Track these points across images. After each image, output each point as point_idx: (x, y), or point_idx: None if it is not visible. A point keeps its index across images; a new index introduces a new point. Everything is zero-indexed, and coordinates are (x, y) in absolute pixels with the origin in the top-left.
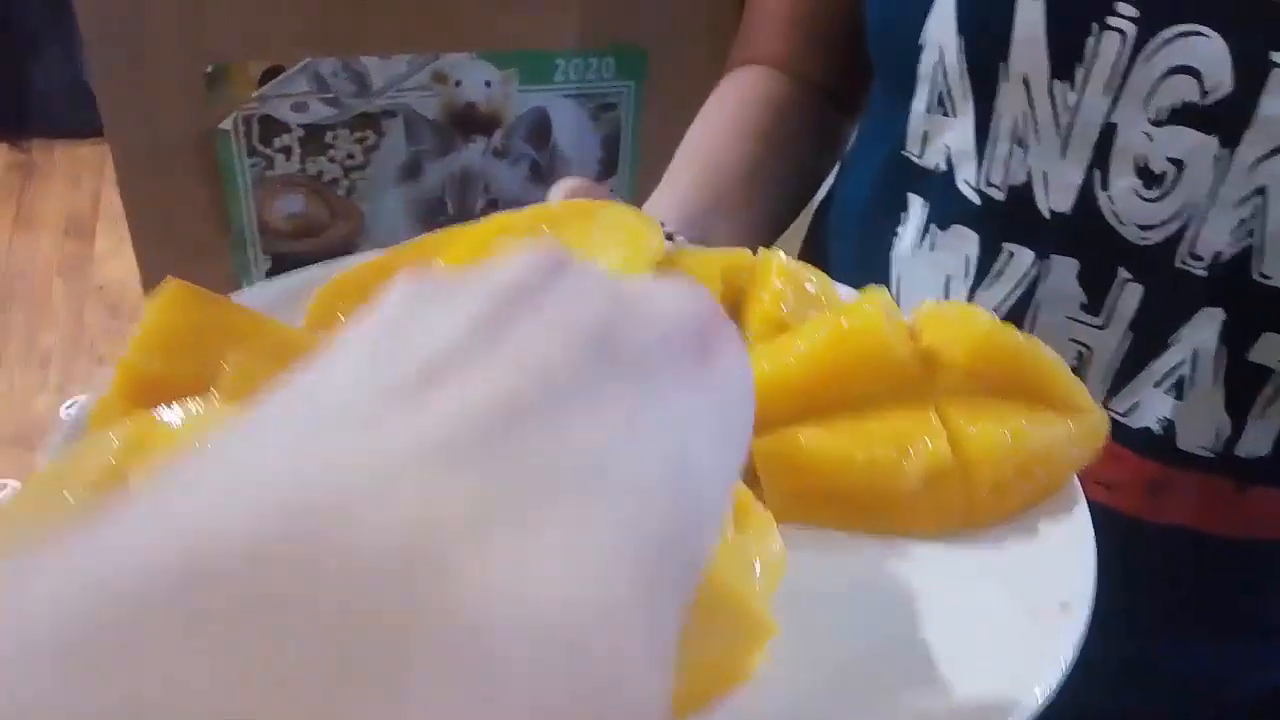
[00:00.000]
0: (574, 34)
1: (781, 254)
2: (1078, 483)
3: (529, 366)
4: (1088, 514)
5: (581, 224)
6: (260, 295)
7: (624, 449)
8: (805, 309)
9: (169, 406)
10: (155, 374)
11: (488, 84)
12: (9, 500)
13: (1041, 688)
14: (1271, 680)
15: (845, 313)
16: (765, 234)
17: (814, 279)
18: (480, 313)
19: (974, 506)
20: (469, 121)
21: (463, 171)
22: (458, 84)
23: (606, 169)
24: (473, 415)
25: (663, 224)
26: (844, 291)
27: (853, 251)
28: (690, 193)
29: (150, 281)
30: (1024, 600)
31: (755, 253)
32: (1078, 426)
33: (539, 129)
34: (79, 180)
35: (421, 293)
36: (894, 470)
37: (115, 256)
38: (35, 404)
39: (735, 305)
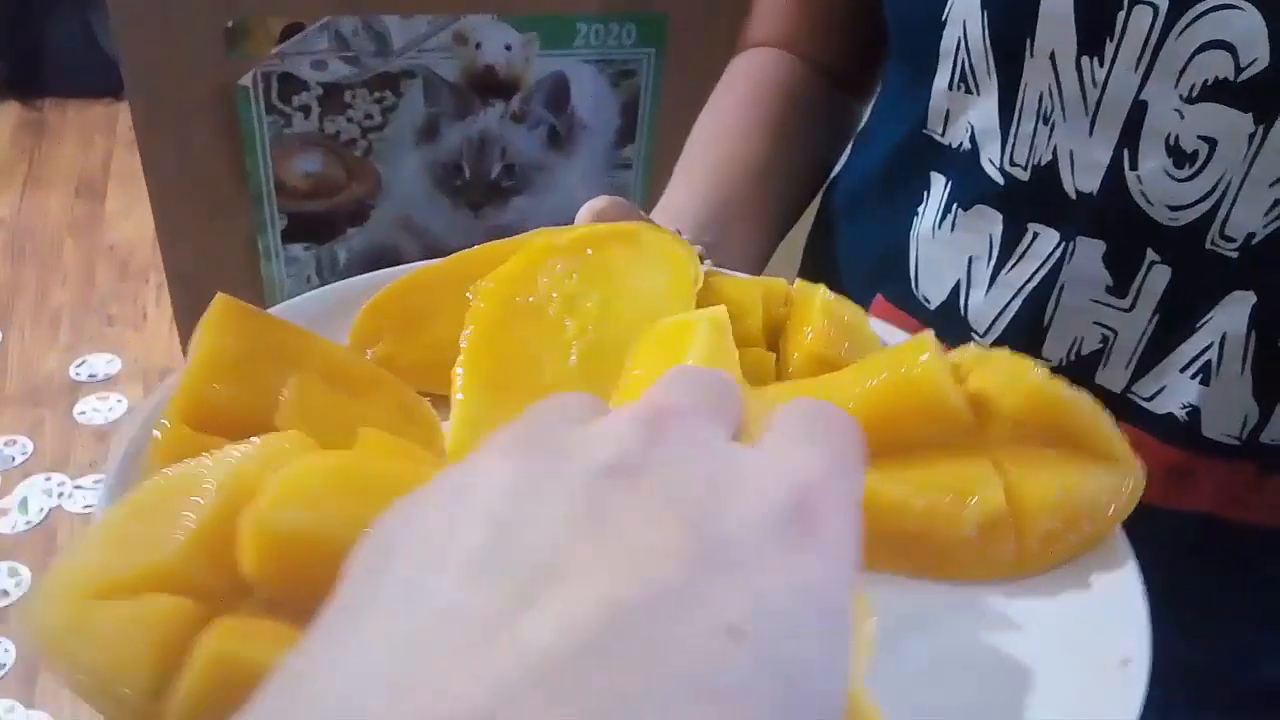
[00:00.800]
0: None
1: (823, 289)
2: (1123, 534)
3: (631, 569)
4: (1137, 567)
5: (625, 249)
6: (301, 309)
7: (729, 661)
8: (848, 349)
9: (237, 439)
10: (215, 399)
11: (508, 47)
12: (91, 535)
13: None
14: None
15: (902, 360)
16: (779, 230)
17: (852, 315)
18: (581, 508)
19: (1024, 556)
20: (488, 84)
21: (480, 135)
22: (478, 46)
23: (625, 136)
24: (576, 631)
25: (679, 231)
26: (879, 328)
27: (867, 232)
28: (705, 192)
29: (167, 237)
30: (1084, 655)
31: (792, 282)
32: (1121, 479)
33: (558, 94)
34: (91, 140)
35: (521, 482)
36: (951, 518)
37: (126, 217)
38: (45, 362)
39: (774, 334)
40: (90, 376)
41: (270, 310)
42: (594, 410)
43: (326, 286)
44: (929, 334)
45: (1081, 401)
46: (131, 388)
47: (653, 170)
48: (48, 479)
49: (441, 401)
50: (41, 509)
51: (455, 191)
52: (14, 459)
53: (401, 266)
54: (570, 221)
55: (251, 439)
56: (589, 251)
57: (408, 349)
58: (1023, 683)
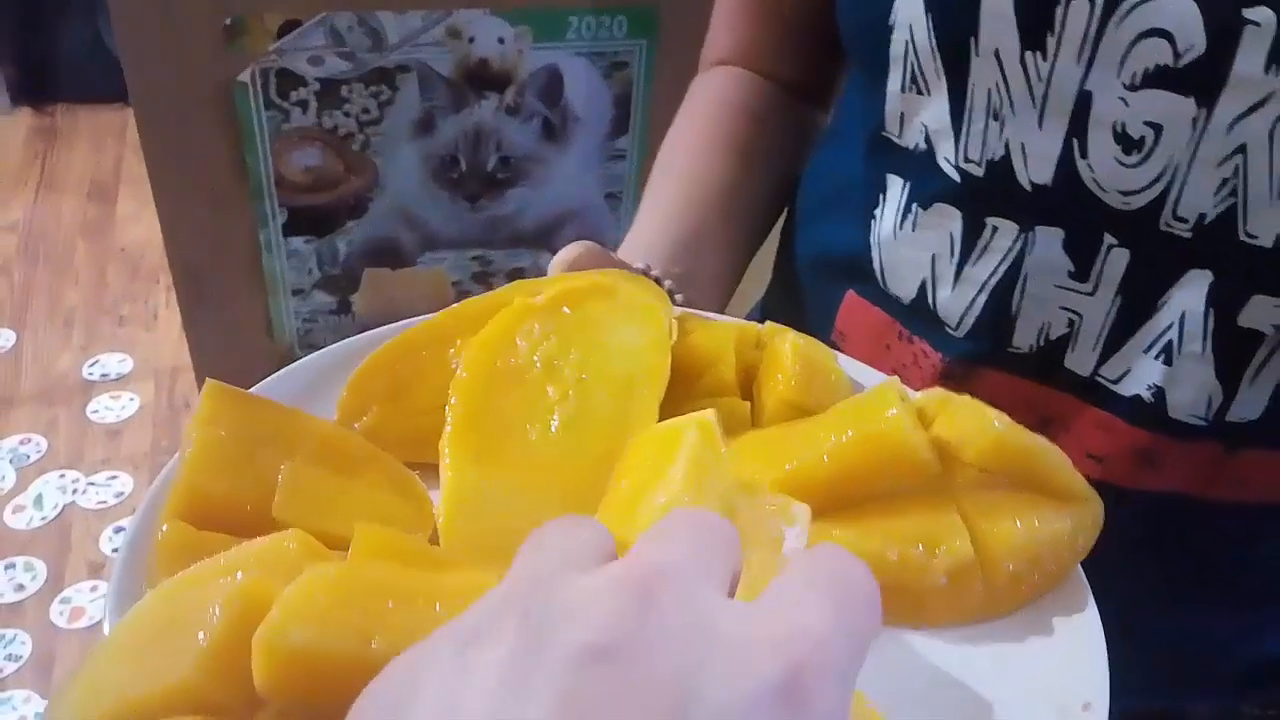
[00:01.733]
0: None
1: (792, 333)
2: (1082, 574)
3: None
4: (1095, 610)
5: (601, 305)
6: (288, 382)
7: None
8: (820, 391)
9: (237, 533)
10: (212, 494)
11: (501, 41)
12: (101, 653)
13: None
14: (1264, 648)
15: (870, 414)
16: (749, 251)
17: (822, 357)
18: (561, 699)
19: (991, 598)
20: (482, 78)
21: (476, 128)
22: (471, 40)
23: (618, 127)
24: None
25: (649, 267)
26: (848, 365)
27: (832, 234)
28: (672, 223)
29: (171, 233)
30: (1048, 698)
31: (762, 322)
32: (1081, 516)
33: (551, 87)
34: (102, 145)
35: (505, 674)
36: (922, 568)
37: (137, 219)
38: (59, 362)
39: (747, 379)
40: (103, 376)
41: (257, 388)
42: (595, 551)
43: (308, 357)
44: (895, 381)
45: (1042, 447)
46: (143, 387)
47: (646, 161)
48: (62, 476)
49: (431, 471)
50: (56, 505)
51: (452, 184)
52: (29, 457)
53: (383, 329)
54: (567, 211)
55: (254, 540)
56: (566, 310)
57: (395, 420)
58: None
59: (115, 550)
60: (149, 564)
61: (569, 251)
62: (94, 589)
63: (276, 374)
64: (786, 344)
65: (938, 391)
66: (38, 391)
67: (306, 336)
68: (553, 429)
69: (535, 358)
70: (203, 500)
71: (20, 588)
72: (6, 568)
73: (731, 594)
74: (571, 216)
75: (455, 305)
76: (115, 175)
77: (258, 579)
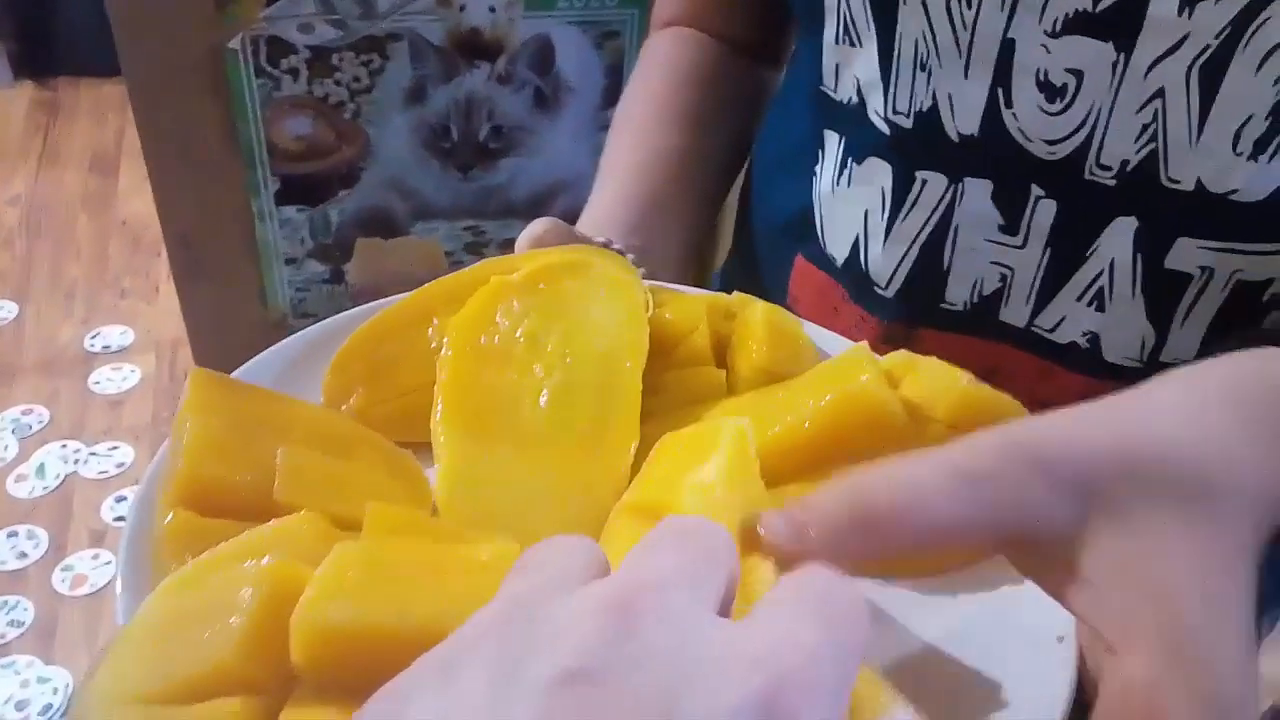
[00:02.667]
0: None
1: (762, 303)
2: None
3: None
4: None
5: (577, 282)
6: (269, 368)
7: None
8: (790, 358)
9: (241, 519)
10: (212, 481)
11: (492, 9)
12: (125, 640)
13: (1063, 708)
14: None
15: (844, 378)
16: (707, 216)
17: (790, 325)
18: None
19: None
20: (473, 47)
21: (467, 97)
22: (462, 9)
23: (609, 97)
24: None
25: (609, 241)
26: (813, 332)
27: (781, 194)
28: (628, 195)
29: (165, 202)
30: (1022, 634)
31: (725, 292)
32: None
33: (543, 56)
34: (103, 118)
35: (487, 697)
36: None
37: (138, 192)
38: (60, 334)
39: (719, 348)
40: (104, 348)
41: (239, 372)
42: (584, 570)
43: (287, 339)
44: (864, 346)
45: (1006, 401)
46: (144, 358)
47: None
48: (64, 446)
49: (421, 449)
50: (58, 475)
51: (444, 153)
52: (31, 427)
53: (359, 309)
54: (559, 180)
55: (264, 525)
56: (542, 286)
57: (380, 400)
58: (976, 656)
59: (118, 519)
60: (154, 554)
61: (534, 228)
62: (95, 557)
63: (256, 358)
64: (757, 313)
65: (903, 354)
66: (40, 363)
67: (300, 305)
68: (541, 403)
69: (518, 334)
70: (203, 487)
71: (23, 555)
72: (9, 536)
73: (730, 602)
74: (564, 186)
75: (428, 284)
76: (117, 148)
77: (284, 561)
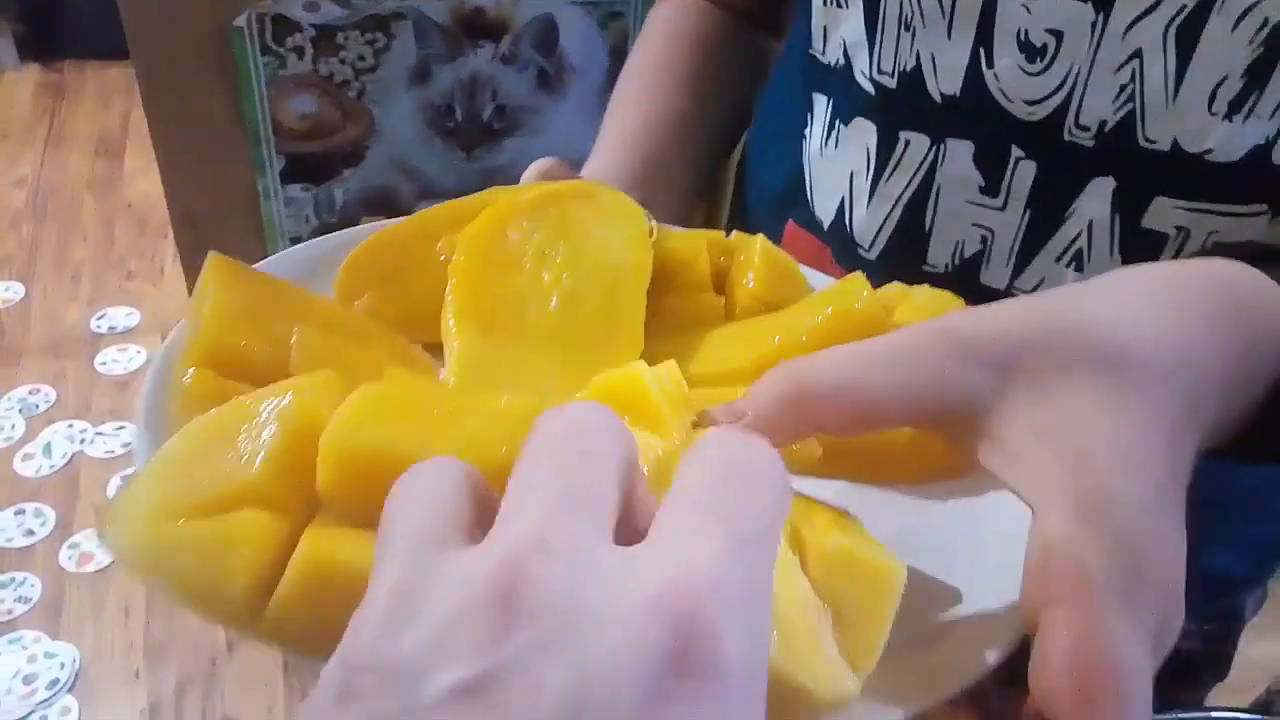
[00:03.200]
0: None
1: (760, 238)
2: None
3: None
4: None
5: (584, 206)
6: (281, 266)
7: None
8: (787, 290)
9: (258, 384)
10: (233, 347)
11: None
12: (154, 466)
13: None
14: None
15: (843, 298)
16: (702, 182)
17: (787, 261)
18: None
19: (948, 457)
20: (477, 27)
21: (471, 76)
22: None
23: (613, 77)
24: None
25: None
26: (808, 273)
27: (774, 159)
28: (626, 155)
29: (171, 181)
30: (995, 536)
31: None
32: None
33: (547, 36)
34: (109, 101)
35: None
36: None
37: (144, 175)
38: (67, 315)
39: (719, 280)
40: (110, 329)
41: (255, 266)
42: (453, 516)
43: (299, 245)
44: (860, 275)
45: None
46: (149, 339)
47: None
48: (70, 425)
49: (430, 349)
50: (64, 454)
51: (448, 133)
52: (38, 406)
53: (365, 225)
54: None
55: (288, 379)
56: (551, 209)
57: (389, 302)
58: (955, 559)
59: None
60: (173, 408)
61: (541, 164)
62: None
63: (266, 260)
64: (756, 246)
65: (896, 285)
66: (47, 344)
67: None
68: (550, 308)
69: (527, 247)
70: (225, 353)
71: (30, 533)
72: (16, 514)
73: (628, 483)
74: None
75: (435, 206)
76: (123, 131)
77: (309, 398)
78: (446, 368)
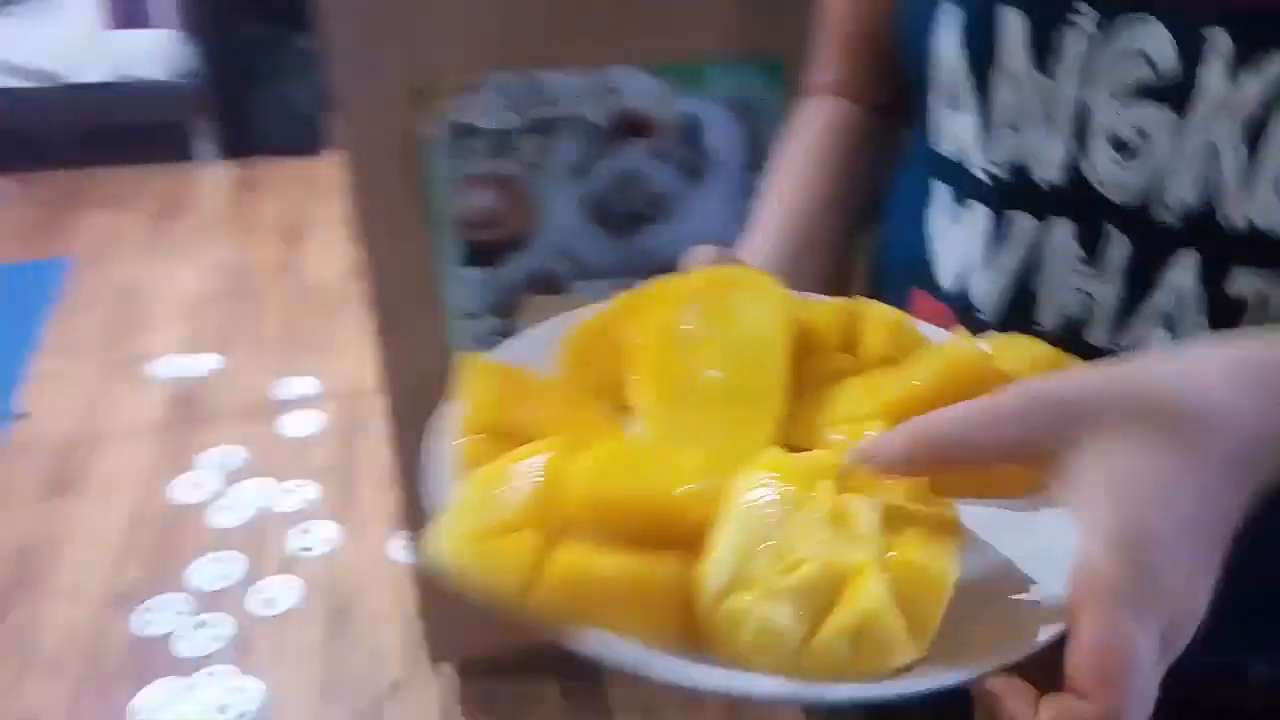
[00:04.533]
0: (724, 48)
1: (881, 304)
2: None
3: None
4: None
5: (737, 289)
6: (517, 350)
7: None
8: (905, 347)
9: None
10: (492, 420)
11: (647, 93)
12: (458, 505)
13: None
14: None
15: (950, 351)
16: (842, 257)
17: (906, 321)
18: None
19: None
20: (631, 126)
21: (626, 171)
22: (621, 93)
23: (752, 169)
24: None
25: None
26: (927, 330)
27: (900, 235)
28: (781, 234)
29: (363, 265)
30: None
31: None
32: None
33: (692, 132)
34: (290, 193)
35: None
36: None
37: (322, 259)
38: (256, 384)
39: (849, 342)
40: (293, 397)
41: (494, 355)
42: None
43: (518, 336)
44: (961, 329)
45: (1075, 363)
46: (328, 406)
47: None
48: (259, 483)
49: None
50: (254, 508)
51: (604, 220)
52: (231, 465)
53: (574, 312)
54: (706, 242)
55: (534, 443)
56: (710, 294)
57: (591, 375)
58: (1028, 560)
59: (303, 549)
60: (454, 465)
61: (702, 251)
62: (284, 581)
63: (501, 346)
64: (878, 312)
65: (995, 334)
66: (239, 409)
67: None
68: (714, 377)
69: (692, 328)
70: (485, 426)
71: (224, 578)
72: (213, 561)
73: None
74: None
75: (620, 295)
76: (303, 220)
77: (555, 455)
78: (638, 427)
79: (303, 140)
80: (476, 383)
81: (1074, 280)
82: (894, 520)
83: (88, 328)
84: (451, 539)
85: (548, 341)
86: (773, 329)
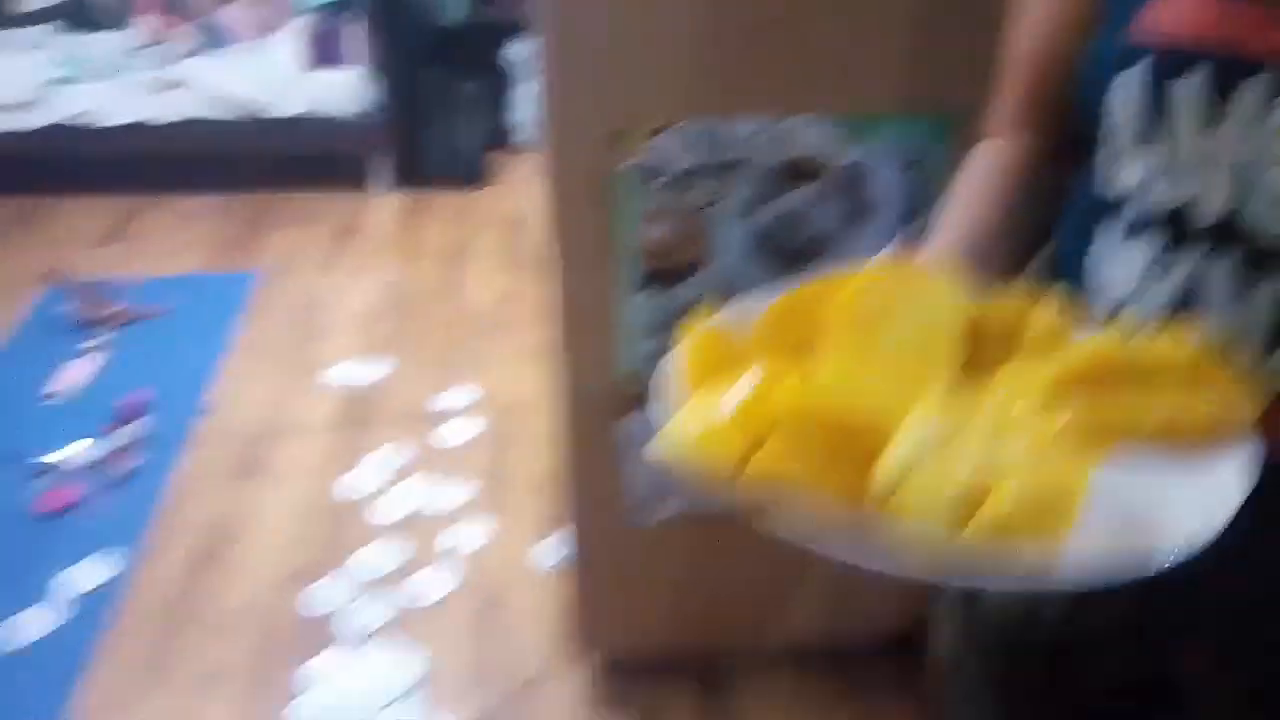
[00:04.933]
0: (894, 101)
1: (1050, 303)
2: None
3: None
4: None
5: (917, 278)
6: (727, 316)
7: None
8: (1066, 333)
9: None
10: (713, 365)
11: (819, 140)
12: (684, 412)
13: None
14: None
15: (1098, 340)
16: (1009, 277)
17: (1061, 320)
18: None
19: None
20: (800, 170)
21: (791, 212)
22: (793, 140)
23: (914, 214)
24: None
25: None
26: (1087, 330)
27: (1061, 270)
28: (950, 253)
29: (556, 286)
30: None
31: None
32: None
33: (857, 179)
34: (454, 221)
35: None
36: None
37: (480, 282)
38: (420, 392)
39: (1012, 334)
40: (453, 406)
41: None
42: None
43: (734, 302)
44: (1112, 330)
45: (1209, 350)
46: (483, 415)
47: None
48: (417, 483)
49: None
50: (414, 505)
51: (769, 255)
52: (394, 465)
53: (768, 292)
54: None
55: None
56: (894, 281)
57: (784, 343)
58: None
59: (458, 546)
60: (679, 390)
61: (888, 254)
62: (438, 573)
63: (723, 310)
64: (1041, 306)
65: (1147, 329)
66: (404, 412)
67: (646, 371)
68: (893, 347)
69: (877, 309)
70: (707, 371)
71: (384, 567)
72: (375, 550)
73: None
74: None
75: (810, 281)
76: (464, 246)
77: (761, 378)
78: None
79: (465, 175)
80: (695, 335)
81: (1229, 307)
82: (1041, 444)
83: (272, 334)
84: (677, 437)
85: (749, 313)
86: (946, 315)
